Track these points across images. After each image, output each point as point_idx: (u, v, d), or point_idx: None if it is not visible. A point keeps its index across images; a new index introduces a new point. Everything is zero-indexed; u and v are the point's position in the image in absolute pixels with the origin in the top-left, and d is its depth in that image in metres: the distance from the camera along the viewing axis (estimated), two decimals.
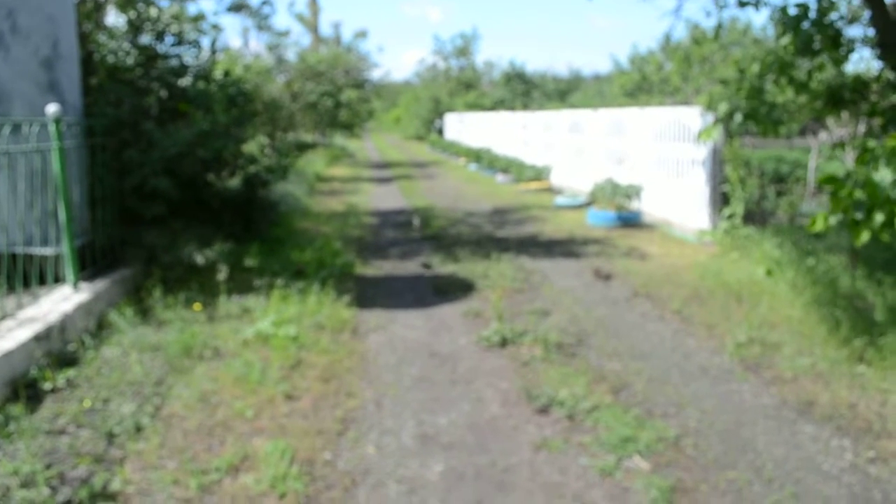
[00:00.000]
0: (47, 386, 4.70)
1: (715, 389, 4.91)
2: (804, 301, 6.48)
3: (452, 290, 7.62)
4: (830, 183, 4.69)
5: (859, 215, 4.60)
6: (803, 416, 4.48)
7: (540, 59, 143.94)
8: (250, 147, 11.07)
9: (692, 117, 10.84)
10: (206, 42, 11.29)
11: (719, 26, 8.86)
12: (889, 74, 8.77)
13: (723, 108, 5.96)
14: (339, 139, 36.96)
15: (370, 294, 7.55)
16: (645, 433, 4.16)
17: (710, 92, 6.18)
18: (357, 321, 6.52)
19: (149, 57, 8.82)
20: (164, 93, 8.32)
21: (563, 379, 5.01)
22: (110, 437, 4.10)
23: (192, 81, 8.85)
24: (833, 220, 4.71)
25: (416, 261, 9.18)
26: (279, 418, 4.40)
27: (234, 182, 9.53)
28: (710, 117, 10.26)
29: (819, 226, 4.72)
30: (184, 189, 7.85)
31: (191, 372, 5.06)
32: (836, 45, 5.85)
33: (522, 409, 4.60)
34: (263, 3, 14.03)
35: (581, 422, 4.38)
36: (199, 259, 7.17)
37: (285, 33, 23.76)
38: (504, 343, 5.80)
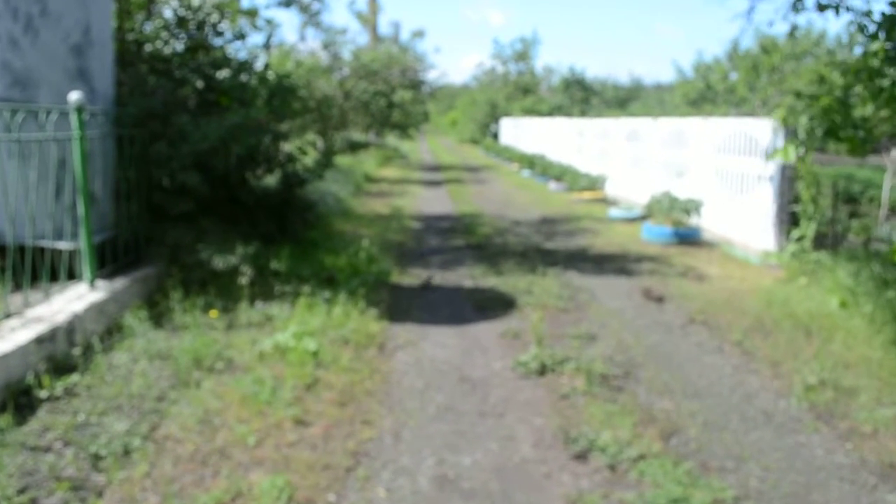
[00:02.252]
0: (43, 394, 4.34)
1: (781, 441, 4.28)
2: (884, 340, 5.79)
3: (492, 305, 7.10)
4: None
5: None
6: (886, 480, 3.83)
7: (600, 67, 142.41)
8: (297, 143, 10.69)
9: (760, 129, 10.11)
10: (259, 37, 11.06)
11: (794, 28, 8.15)
12: None
13: (804, 122, 5.32)
14: (393, 140, 36.72)
15: (404, 306, 7.07)
16: (698, 493, 3.58)
17: (787, 104, 5.52)
18: (385, 336, 6.04)
19: (190, 48, 8.53)
20: (200, 84, 7.97)
21: (606, 418, 4.44)
22: (96, 459, 3.70)
23: (231, 74, 8.51)
24: None
25: (458, 271, 8.68)
26: (284, 448, 3.94)
27: (271, 180, 9.20)
28: (782, 131, 9.54)
29: None
30: (215, 186, 7.51)
31: (198, 386, 4.65)
32: None
33: (557, 453, 4.05)
34: None
35: (624, 473, 3.81)
36: (219, 263, 6.78)
37: (342, 31, 23.49)
38: (543, 371, 5.25)
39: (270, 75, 9.68)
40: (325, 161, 10.71)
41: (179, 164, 6.91)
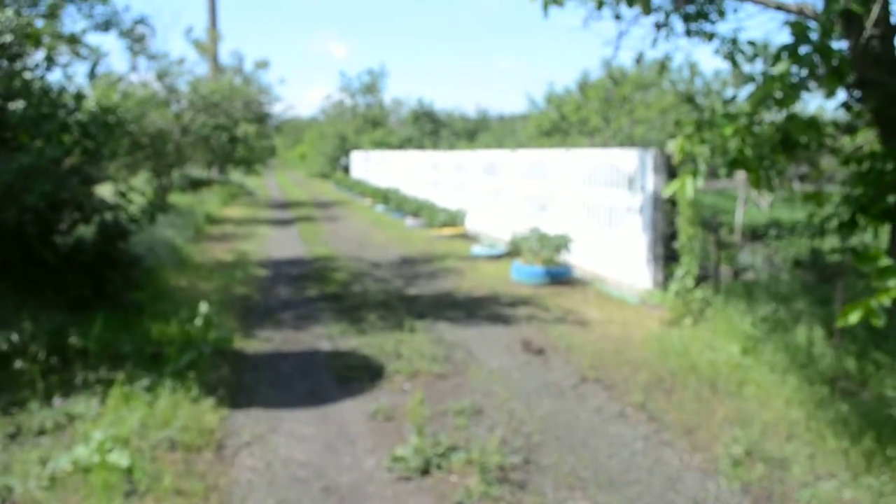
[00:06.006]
0: None
1: None
2: (792, 391, 5.23)
3: (356, 375, 6.01)
4: (867, 262, 3.36)
5: None
6: None
7: (447, 99, 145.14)
8: (123, 186, 9.08)
9: (626, 160, 9.70)
10: (84, 66, 9.55)
11: (641, 56, 7.73)
12: (848, 114, 7.86)
13: (703, 152, 4.69)
14: (238, 176, 34.78)
15: (249, 383, 5.85)
16: None
17: (683, 134, 4.88)
18: (225, 430, 4.82)
19: None
20: None
21: None
22: None
23: (28, 106, 7.01)
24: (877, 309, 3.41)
25: (313, 330, 7.53)
26: None
27: (87, 231, 7.72)
28: (649, 161, 9.13)
29: (856, 318, 3.39)
30: (3, 243, 6.01)
31: None
32: (841, 74, 4.72)
33: None
34: (137, 22, 12.09)
35: None
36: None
37: (179, 61, 21.66)
38: (427, 468, 4.22)
39: (92, 107, 8.18)
40: (158, 204, 9.28)
41: None
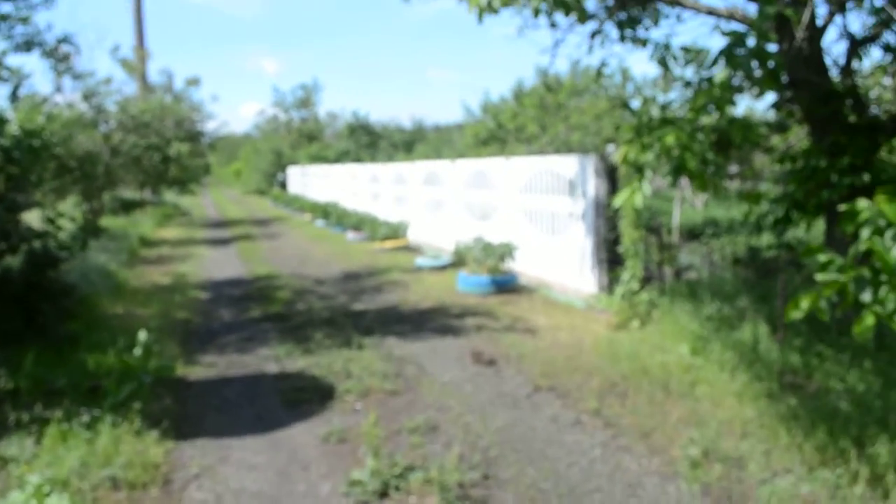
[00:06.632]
0: None
1: None
2: (741, 387, 5.29)
3: (306, 397, 5.84)
4: (810, 255, 3.40)
5: (865, 297, 3.35)
6: None
7: (383, 110, 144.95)
8: (51, 212, 8.67)
9: (567, 166, 9.77)
10: (5, 88, 9.09)
11: (603, 65, 7.80)
12: (778, 113, 8.07)
13: (649, 159, 4.70)
14: (172, 196, 33.93)
15: (195, 411, 5.63)
16: None
17: (623, 140, 4.90)
18: (172, 464, 4.61)
19: None
20: None
21: None
22: None
23: None
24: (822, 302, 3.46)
25: (258, 353, 7.32)
26: None
27: (14, 262, 7.36)
28: (589, 167, 9.20)
29: (801, 311, 3.43)
30: None
31: None
32: (776, 76, 4.80)
33: None
34: (61, 41, 11.65)
35: None
36: None
37: (106, 80, 21.01)
38: (385, 491, 4.11)
39: (15, 131, 7.82)
40: (89, 230, 8.93)
41: None
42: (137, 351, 6.30)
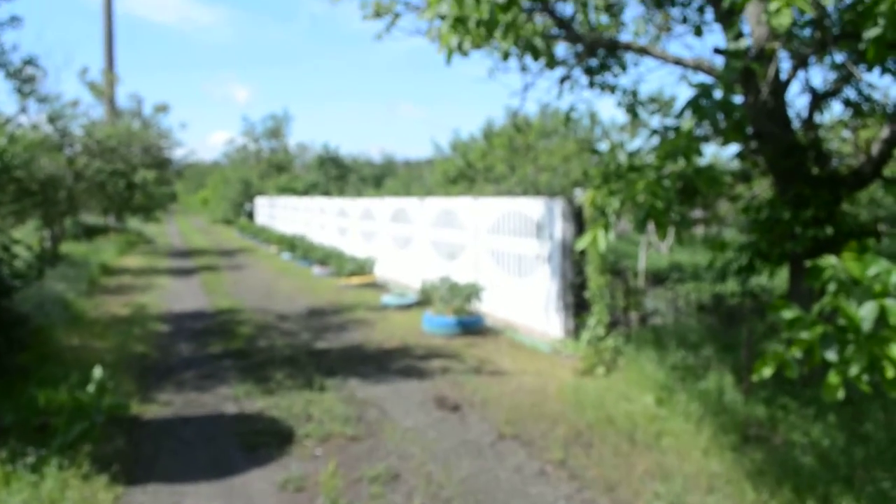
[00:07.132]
0: None
1: None
2: (707, 438, 5.25)
3: (264, 441, 5.67)
4: (775, 311, 3.39)
5: (831, 355, 3.33)
6: None
7: (353, 143, 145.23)
8: (3, 238, 8.48)
9: (534, 209, 9.79)
10: None
11: (571, 109, 7.88)
12: (743, 164, 8.18)
13: (614, 204, 4.70)
14: (136, 223, 33.42)
15: (148, 453, 5.43)
16: None
17: (591, 185, 4.90)
18: None
19: None
20: None
21: None
22: None
23: None
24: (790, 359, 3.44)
25: (217, 391, 7.13)
26: None
27: None
28: (557, 209, 9.22)
29: (769, 371, 3.40)
30: None
31: None
32: (741, 128, 4.86)
33: None
34: (26, 62, 11.46)
35: None
36: None
37: (73, 103, 20.70)
38: None
39: None
40: (46, 258, 8.69)
41: None
42: (91, 387, 6.08)
